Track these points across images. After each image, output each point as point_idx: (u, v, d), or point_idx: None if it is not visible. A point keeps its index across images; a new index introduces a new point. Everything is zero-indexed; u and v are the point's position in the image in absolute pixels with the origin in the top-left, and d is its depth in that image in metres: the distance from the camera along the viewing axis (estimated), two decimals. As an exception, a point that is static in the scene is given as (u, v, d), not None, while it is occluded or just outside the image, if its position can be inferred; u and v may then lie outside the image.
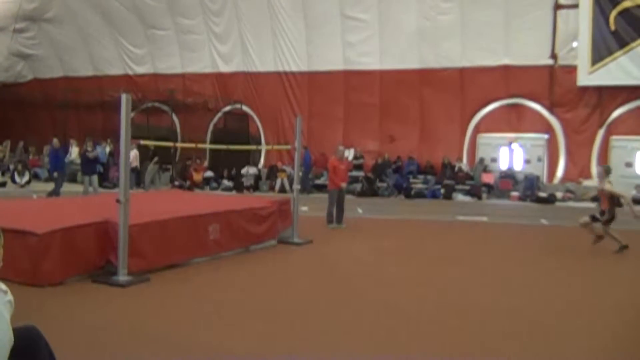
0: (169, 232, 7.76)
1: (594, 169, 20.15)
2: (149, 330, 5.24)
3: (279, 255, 9.40)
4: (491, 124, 21.44)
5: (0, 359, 2.78)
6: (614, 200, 10.11)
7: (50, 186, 16.28)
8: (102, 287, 6.68)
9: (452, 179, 20.72)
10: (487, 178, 21.03)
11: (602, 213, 10.10)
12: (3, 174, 22.78)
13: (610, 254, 9.96)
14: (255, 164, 23.68)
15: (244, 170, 22.44)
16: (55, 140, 16.57)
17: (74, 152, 23.84)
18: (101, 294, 6.44)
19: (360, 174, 21.61)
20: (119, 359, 4.57)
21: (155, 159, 19.24)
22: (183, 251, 7.99)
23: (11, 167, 22.53)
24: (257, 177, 22.56)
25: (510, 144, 21.47)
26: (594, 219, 10.20)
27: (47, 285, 6.48)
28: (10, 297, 3.04)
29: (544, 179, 21.01)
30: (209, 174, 22.91)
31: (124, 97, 7.00)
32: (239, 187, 21.53)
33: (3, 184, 20.48)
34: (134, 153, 18.07)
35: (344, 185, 12.63)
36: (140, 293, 6.54)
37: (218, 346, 4.88)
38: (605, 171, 10.46)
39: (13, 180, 20.80)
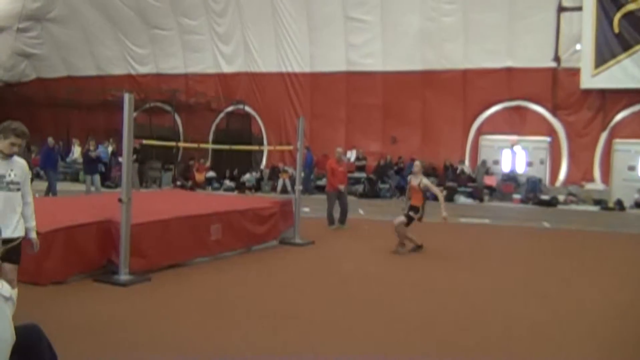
0: (171, 232, 7.76)
1: (597, 172, 20.11)
2: (150, 329, 5.24)
3: (281, 255, 9.40)
4: (493, 126, 21.38)
5: (2, 356, 2.78)
6: (426, 195, 10.00)
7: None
8: (103, 286, 6.69)
9: (454, 181, 20.67)
10: (489, 180, 20.98)
11: (415, 209, 9.83)
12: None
13: (611, 257, 9.93)
14: (257, 168, 23.61)
15: (244, 177, 22.36)
16: (50, 139, 16.59)
17: (76, 151, 23.89)
18: (102, 293, 6.45)
19: (363, 175, 21.59)
20: (120, 357, 4.57)
21: (134, 156, 18.93)
22: (185, 251, 7.99)
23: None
24: (259, 178, 22.57)
25: (512, 146, 21.43)
26: (409, 218, 9.76)
27: (48, 283, 6.50)
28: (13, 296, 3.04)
29: (547, 181, 20.93)
30: (211, 174, 22.92)
31: (126, 97, 7.01)
32: (240, 187, 21.53)
33: (5, 183, 20.44)
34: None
35: (341, 187, 12.61)
36: (141, 292, 6.54)
37: (219, 346, 4.88)
38: (423, 166, 10.78)
39: (15, 179, 20.77)
